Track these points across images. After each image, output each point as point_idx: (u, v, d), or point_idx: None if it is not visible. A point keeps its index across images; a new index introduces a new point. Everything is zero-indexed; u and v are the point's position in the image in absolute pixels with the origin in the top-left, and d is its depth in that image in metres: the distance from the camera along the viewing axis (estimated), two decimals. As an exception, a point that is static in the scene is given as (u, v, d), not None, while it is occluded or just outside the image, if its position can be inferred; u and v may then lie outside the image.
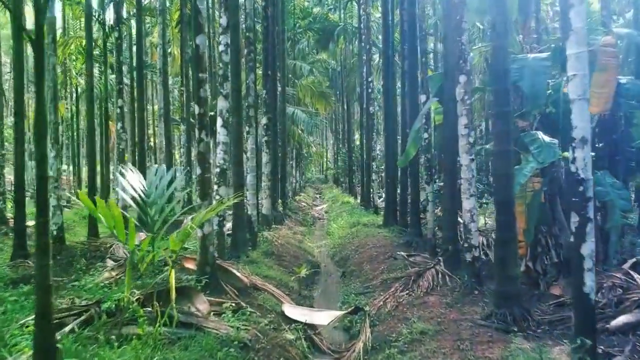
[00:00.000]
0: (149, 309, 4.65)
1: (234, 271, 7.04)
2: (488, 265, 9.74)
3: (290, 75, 25.77)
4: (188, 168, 16.99)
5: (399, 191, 15.45)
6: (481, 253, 9.73)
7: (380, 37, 31.31)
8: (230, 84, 8.04)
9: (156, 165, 5.44)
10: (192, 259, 7.23)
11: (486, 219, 19.36)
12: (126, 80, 26.10)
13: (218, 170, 7.73)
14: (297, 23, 25.86)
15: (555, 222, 8.40)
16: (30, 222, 16.29)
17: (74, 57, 28.38)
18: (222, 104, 7.80)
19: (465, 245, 7.65)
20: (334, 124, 50.74)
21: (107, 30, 18.03)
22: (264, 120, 13.84)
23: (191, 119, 17.81)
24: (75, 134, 29.05)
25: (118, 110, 14.02)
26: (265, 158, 13.76)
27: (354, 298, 8.06)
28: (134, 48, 19.93)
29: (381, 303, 7.26)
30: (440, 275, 8.50)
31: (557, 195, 8.45)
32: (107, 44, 18.65)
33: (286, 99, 21.74)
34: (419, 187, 12.49)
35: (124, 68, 25.13)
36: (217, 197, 7.66)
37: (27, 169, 30.97)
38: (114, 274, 8.39)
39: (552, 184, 8.23)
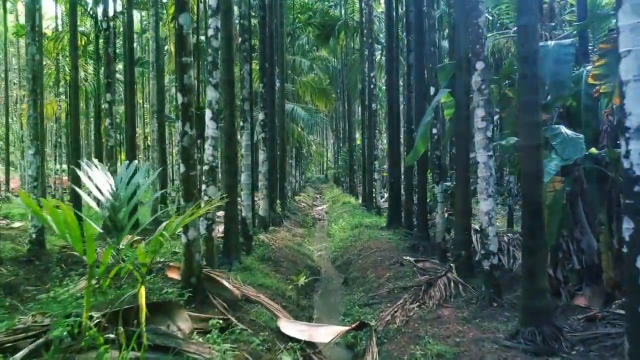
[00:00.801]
0: (112, 334, 3.86)
1: (224, 282, 6.24)
2: (503, 272, 8.96)
3: (289, 72, 25.00)
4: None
5: (403, 191, 14.67)
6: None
7: (382, 34, 30.61)
8: (221, 74, 7.26)
9: (127, 161, 4.64)
10: (177, 268, 6.44)
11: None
12: (121, 77, 25.34)
13: (207, 167, 6.94)
14: (297, 17, 25.07)
15: (577, 225, 7.67)
16: (17, 224, 15.57)
17: (67, 53, 27.66)
18: (211, 94, 7.01)
19: (482, 251, 6.86)
20: (334, 122, 49.99)
21: (99, 23, 17.28)
22: (260, 116, 13.04)
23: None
24: (70, 132, 28.25)
25: (106, 106, 13.23)
26: (262, 156, 12.95)
27: (358, 310, 7.26)
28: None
29: (389, 317, 6.46)
30: (452, 284, 7.73)
31: (579, 196, 7.72)
32: (100, 38, 17.91)
33: (285, 96, 20.96)
34: (427, 187, 11.71)
35: (121, 65, 24.43)
36: (206, 197, 6.87)
37: (22, 167, 30.20)
38: (92, 282, 7.62)
39: (573, 184, 7.49)
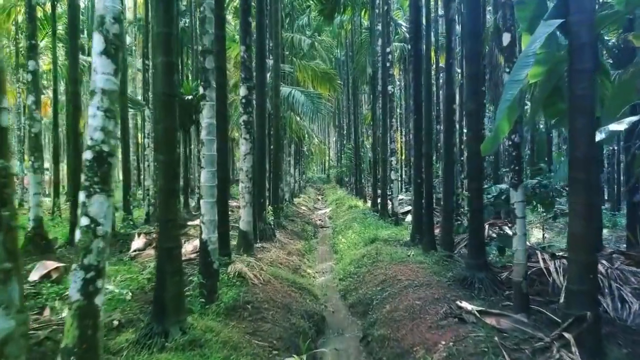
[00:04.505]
0: None
1: None
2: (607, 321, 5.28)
3: (287, 53, 21.28)
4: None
5: (439, 195, 10.95)
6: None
7: (392, 14, 26.83)
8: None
9: None
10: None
11: (544, 231, 14.86)
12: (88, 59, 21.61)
13: (89, 156, 3.21)
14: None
15: None
16: None
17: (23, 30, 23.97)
18: (102, 1, 3.34)
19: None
20: (337, 118, 46.18)
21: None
22: (242, 91, 9.32)
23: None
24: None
25: (29, 77, 9.54)
26: (243, 147, 9.24)
27: None
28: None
29: None
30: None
31: None
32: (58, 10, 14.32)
33: (282, 78, 17.26)
34: (481, 190, 8.01)
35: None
36: (85, 220, 3.17)
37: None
38: None
39: None
